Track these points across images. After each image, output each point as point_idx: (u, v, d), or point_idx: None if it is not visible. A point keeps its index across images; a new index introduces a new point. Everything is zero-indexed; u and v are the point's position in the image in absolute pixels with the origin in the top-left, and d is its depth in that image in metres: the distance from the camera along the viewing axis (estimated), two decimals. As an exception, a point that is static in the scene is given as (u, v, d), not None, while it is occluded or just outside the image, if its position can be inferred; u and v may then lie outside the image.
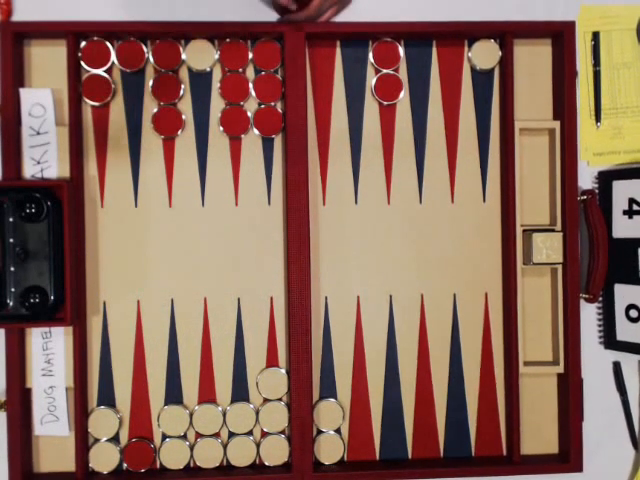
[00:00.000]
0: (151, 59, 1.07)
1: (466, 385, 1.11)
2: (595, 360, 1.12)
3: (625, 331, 1.09)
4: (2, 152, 1.04)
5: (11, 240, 1.01)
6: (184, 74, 1.09)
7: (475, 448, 1.11)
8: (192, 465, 1.09)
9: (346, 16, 1.10)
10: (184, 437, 1.09)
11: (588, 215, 1.09)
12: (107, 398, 1.08)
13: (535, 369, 1.09)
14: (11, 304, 1.01)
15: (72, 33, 1.04)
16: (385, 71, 1.10)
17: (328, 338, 1.10)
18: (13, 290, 1.01)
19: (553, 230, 1.09)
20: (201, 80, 1.09)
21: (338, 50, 1.10)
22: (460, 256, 1.11)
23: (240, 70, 1.09)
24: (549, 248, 1.08)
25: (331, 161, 1.11)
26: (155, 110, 1.08)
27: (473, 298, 1.12)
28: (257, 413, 1.09)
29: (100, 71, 1.07)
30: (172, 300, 1.09)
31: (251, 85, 1.09)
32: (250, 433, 1.09)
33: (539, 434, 1.11)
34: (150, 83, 1.08)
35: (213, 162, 1.09)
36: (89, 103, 1.07)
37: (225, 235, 1.09)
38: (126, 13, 1.07)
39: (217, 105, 1.09)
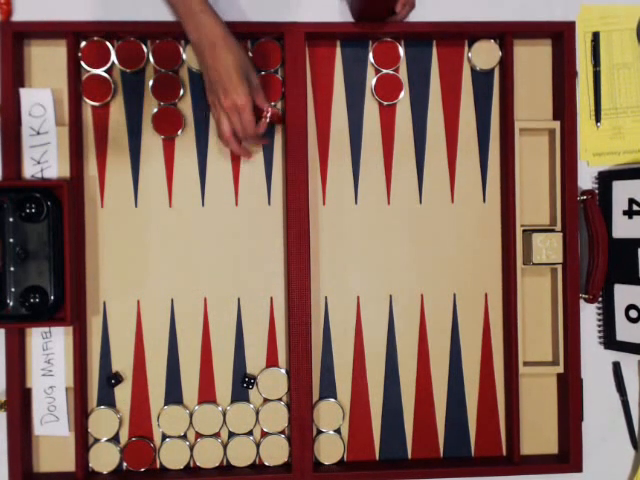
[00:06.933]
0: (151, 59, 1.07)
1: (466, 385, 1.11)
2: (595, 360, 1.12)
3: (625, 331, 1.09)
4: (2, 152, 1.04)
5: (11, 240, 1.01)
6: (184, 74, 1.09)
7: (475, 448, 1.11)
8: (192, 465, 1.09)
9: (346, 16, 1.09)
10: (184, 437, 1.09)
11: (588, 215, 1.09)
12: (107, 398, 1.08)
13: (535, 369, 1.09)
14: (11, 304, 1.01)
15: (72, 33, 1.04)
16: (385, 71, 1.10)
17: (328, 338, 1.10)
18: (13, 290, 1.01)
19: (553, 230, 1.09)
20: (201, 80, 1.09)
21: (338, 50, 1.10)
22: (460, 256, 1.11)
23: (240, 70, 1.09)
24: (549, 248, 1.08)
25: (331, 161, 1.11)
26: (155, 110, 1.08)
27: (473, 298, 1.12)
28: (257, 413, 1.09)
29: (100, 71, 1.07)
30: (172, 300, 1.09)
31: (251, 85, 1.09)
32: (250, 433, 1.09)
33: (539, 434, 1.12)
34: (150, 83, 1.08)
35: (213, 162, 1.09)
36: (89, 103, 1.07)
37: (225, 235, 1.09)
38: (126, 13, 1.07)
39: (217, 105, 1.09)
